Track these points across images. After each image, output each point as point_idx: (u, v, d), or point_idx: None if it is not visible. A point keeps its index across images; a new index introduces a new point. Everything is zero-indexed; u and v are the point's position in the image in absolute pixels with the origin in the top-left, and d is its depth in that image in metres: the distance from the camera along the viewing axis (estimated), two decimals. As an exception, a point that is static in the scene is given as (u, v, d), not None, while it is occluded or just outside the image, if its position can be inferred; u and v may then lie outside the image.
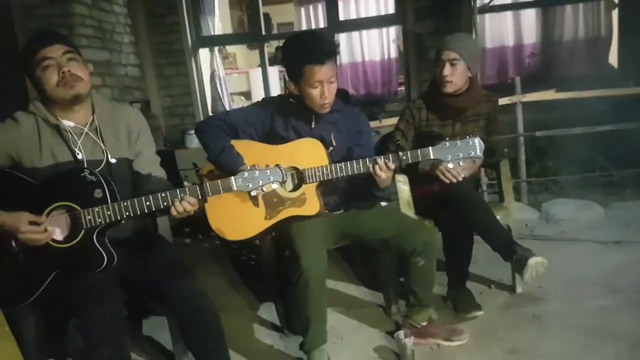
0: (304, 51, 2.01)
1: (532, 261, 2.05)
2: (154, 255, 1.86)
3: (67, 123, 1.77)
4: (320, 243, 2.01)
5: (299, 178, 2.08)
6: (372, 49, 6.15)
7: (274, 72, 6.52)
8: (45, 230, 1.61)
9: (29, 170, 1.72)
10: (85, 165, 1.74)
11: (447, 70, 2.32)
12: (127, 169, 1.85)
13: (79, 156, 1.76)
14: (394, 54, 6.14)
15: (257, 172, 1.69)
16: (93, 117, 1.83)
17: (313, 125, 2.16)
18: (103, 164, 1.77)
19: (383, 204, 2.23)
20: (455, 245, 2.35)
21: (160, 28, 5.19)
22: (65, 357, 1.83)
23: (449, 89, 2.36)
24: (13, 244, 1.63)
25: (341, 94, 2.19)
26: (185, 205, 1.65)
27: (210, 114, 5.59)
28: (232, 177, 1.68)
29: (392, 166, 1.95)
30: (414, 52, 5.12)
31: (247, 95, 7.13)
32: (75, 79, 1.73)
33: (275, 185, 1.71)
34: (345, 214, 2.22)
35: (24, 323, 1.66)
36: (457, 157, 1.91)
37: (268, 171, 1.70)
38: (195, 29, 5.37)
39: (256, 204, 2.09)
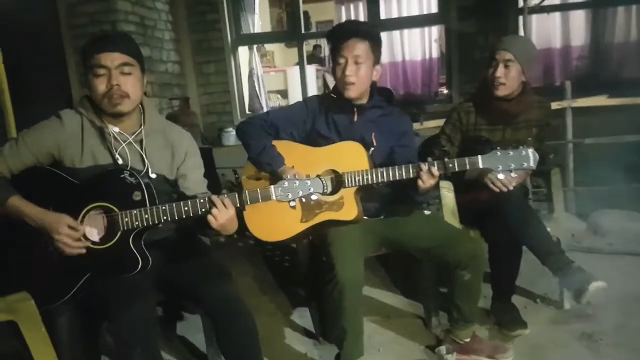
0: (335, 30, 2.08)
1: (592, 287, 1.93)
2: (191, 256, 1.83)
3: (113, 128, 1.73)
4: (357, 251, 1.94)
5: (338, 182, 2.02)
6: (412, 48, 6.02)
7: (312, 70, 6.50)
8: (80, 239, 1.60)
9: (69, 170, 1.70)
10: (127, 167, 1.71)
11: (500, 71, 2.21)
12: (165, 186, 1.82)
13: (120, 162, 1.73)
14: (435, 53, 6.00)
15: (297, 182, 1.64)
16: (141, 129, 1.78)
17: (355, 119, 2.10)
18: (142, 175, 1.73)
19: (426, 212, 2.14)
20: (503, 257, 2.23)
21: (201, 25, 5.21)
22: (99, 358, 1.82)
23: (501, 92, 2.25)
24: (49, 243, 1.62)
25: (384, 92, 2.14)
26: (222, 212, 1.61)
27: (248, 112, 5.60)
28: (272, 187, 1.65)
29: (437, 173, 1.86)
30: (457, 52, 5.02)
31: (283, 93, 7.16)
32: (121, 95, 1.67)
33: (315, 197, 1.67)
34: (386, 220, 2.13)
35: (57, 324, 1.65)
36: (509, 168, 1.81)
37: (308, 182, 1.65)
38: (235, 26, 5.37)
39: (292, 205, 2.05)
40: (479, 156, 1.83)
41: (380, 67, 2.10)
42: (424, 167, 1.85)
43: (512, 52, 2.21)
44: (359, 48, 1.99)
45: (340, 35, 2.03)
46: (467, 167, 1.84)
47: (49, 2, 4.26)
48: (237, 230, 1.79)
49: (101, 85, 1.66)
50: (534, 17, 5.16)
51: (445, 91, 5.59)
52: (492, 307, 2.38)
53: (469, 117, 2.38)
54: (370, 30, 2.06)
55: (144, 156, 1.76)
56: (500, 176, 1.85)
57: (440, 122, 3.52)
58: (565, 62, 5.42)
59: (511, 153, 1.80)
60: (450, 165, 1.84)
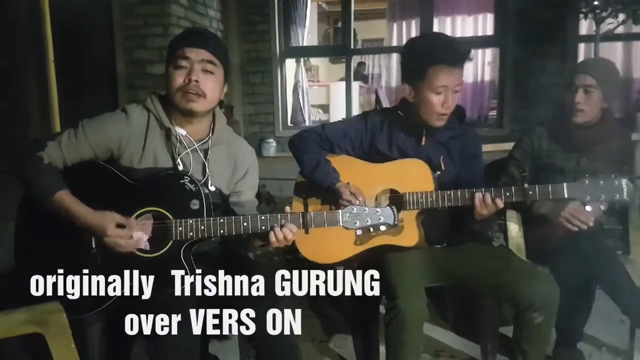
0: (433, 50, 1.80)
1: None
2: (237, 273, 1.64)
3: (180, 131, 1.61)
4: (420, 280, 1.76)
5: (397, 203, 1.84)
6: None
7: (355, 87, 6.44)
8: (131, 237, 1.48)
9: (125, 169, 1.57)
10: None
11: (580, 97, 2.02)
12: (218, 200, 1.69)
13: (180, 167, 1.61)
14: (488, 76, 5.83)
15: (367, 209, 1.51)
16: (209, 137, 1.66)
17: (423, 143, 1.92)
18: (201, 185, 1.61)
19: (495, 244, 1.94)
20: (574, 300, 2.01)
21: (251, 35, 5.24)
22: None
23: (580, 119, 2.05)
24: (93, 245, 1.50)
25: (456, 111, 1.94)
26: (286, 232, 1.49)
27: (290, 124, 5.56)
28: (339, 211, 1.53)
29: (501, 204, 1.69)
30: (511, 76, 4.91)
31: (325, 108, 7.15)
32: (197, 92, 1.54)
33: (383, 228, 1.53)
34: (449, 249, 1.93)
35: (87, 335, 1.53)
36: (599, 199, 1.62)
37: (379, 210, 1.52)
38: (285, 38, 5.36)
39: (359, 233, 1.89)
40: (565, 184, 1.65)
41: None
42: (498, 193, 1.67)
43: (594, 77, 2.02)
44: (460, 77, 1.83)
45: (446, 60, 1.77)
46: (550, 195, 1.66)
47: (104, 3, 4.29)
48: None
49: (179, 78, 1.54)
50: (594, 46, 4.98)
51: (496, 115, 5.41)
52: (556, 353, 2.14)
53: (541, 142, 2.19)
54: (470, 56, 1.84)
55: (207, 166, 1.65)
56: (588, 209, 1.66)
57: (489, 146, 3.33)
58: (625, 95, 5.21)
59: (602, 182, 1.62)
60: (531, 193, 1.66)
